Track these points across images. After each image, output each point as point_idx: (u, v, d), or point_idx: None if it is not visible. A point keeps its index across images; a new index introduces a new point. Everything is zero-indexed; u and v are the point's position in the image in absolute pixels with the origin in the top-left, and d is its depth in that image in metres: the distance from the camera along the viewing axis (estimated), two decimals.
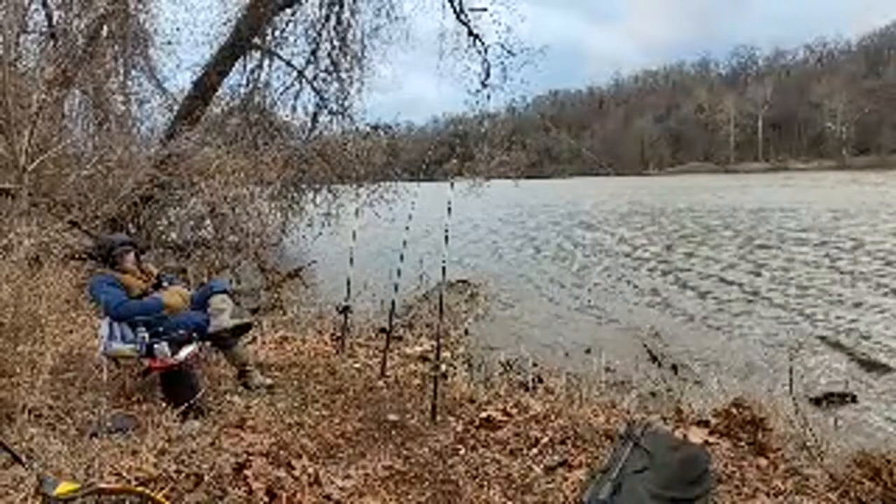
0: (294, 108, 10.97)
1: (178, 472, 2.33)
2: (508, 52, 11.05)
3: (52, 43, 9.29)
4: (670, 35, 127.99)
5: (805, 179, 41.44)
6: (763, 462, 2.64)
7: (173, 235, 7.82)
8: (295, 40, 10.66)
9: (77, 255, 5.69)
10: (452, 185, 4.02)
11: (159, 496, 2.02)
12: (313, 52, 10.71)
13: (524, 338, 6.40)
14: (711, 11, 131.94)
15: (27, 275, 3.58)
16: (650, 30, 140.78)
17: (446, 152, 13.58)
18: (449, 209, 3.75)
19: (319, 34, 10.69)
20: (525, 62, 11.52)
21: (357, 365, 4.29)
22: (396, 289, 4.45)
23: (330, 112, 10.92)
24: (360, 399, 3.57)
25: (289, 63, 10.54)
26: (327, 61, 10.83)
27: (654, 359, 5.67)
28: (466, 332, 6.50)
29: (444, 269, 3.78)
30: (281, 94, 10.79)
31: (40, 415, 2.66)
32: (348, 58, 10.85)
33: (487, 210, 19.81)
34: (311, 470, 2.53)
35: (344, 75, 10.88)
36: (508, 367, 4.97)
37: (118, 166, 6.87)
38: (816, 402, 4.32)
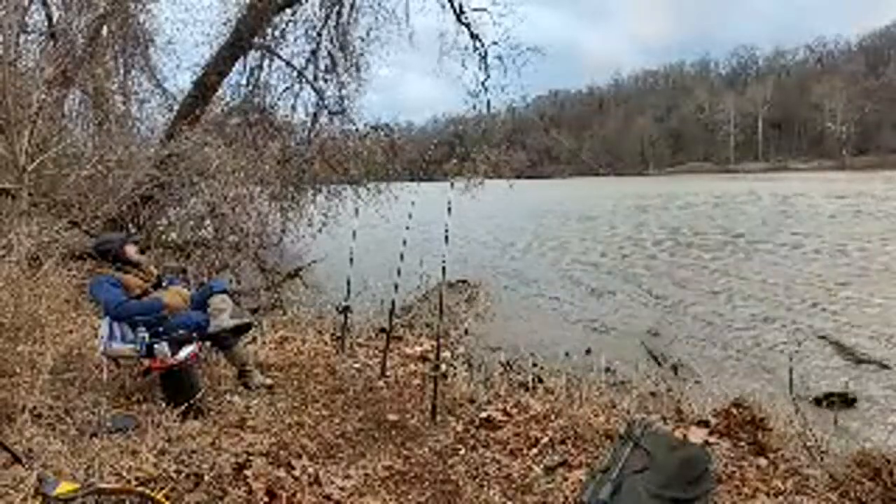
0: (294, 108, 10.97)
1: (178, 472, 2.33)
2: (508, 52, 11.04)
3: (52, 43, 9.28)
4: (670, 35, 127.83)
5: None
6: (763, 462, 2.64)
7: (173, 235, 7.80)
8: (295, 40, 10.65)
9: (77, 255, 5.69)
10: (452, 184, 4.02)
11: (159, 496, 2.02)
12: (313, 52, 10.69)
13: (524, 338, 6.40)
14: (711, 11, 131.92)
15: (27, 275, 3.58)
16: (650, 30, 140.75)
17: (446, 152, 13.55)
18: (449, 209, 3.76)
19: (319, 34, 10.68)
20: (525, 62, 11.43)
21: (357, 365, 4.29)
22: (396, 289, 4.45)
23: (330, 112, 10.89)
24: (360, 399, 3.57)
25: (289, 63, 10.52)
26: (327, 61, 10.82)
27: (654, 359, 5.67)
28: (466, 332, 6.49)
29: (444, 269, 3.78)
30: (281, 94, 10.79)
31: (40, 415, 2.66)
32: (348, 58, 10.84)
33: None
34: (311, 470, 2.53)
35: (344, 75, 10.87)
36: (508, 367, 4.97)
37: (118, 166, 6.85)
38: (816, 402, 4.32)
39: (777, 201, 24.11)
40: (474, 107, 11.53)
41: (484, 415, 3.24)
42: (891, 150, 56.49)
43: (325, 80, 10.85)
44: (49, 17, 9.66)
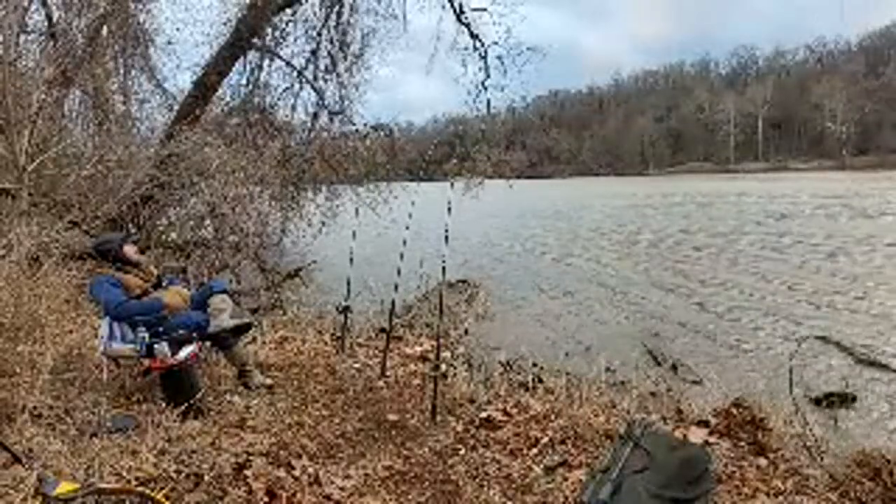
0: (294, 108, 10.98)
1: (178, 472, 2.33)
2: (508, 52, 11.03)
3: (52, 43, 9.27)
4: (670, 35, 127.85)
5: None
6: (763, 462, 2.64)
7: (173, 235, 7.80)
8: (295, 40, 10.66)
9: (77, 255, 5.69)
10: (453, 184, 4.03)
11: (159, 496, 2.02)
12: (313, 52, 10.70)
13: (524, 338, 6.40)
14: (711, 11, 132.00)
15: (27, 275, 3.58)
16: (650, 30, 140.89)
17: (446, 152, 13.57)
18: (449, 209, 3.76)
19: (319, 34, 10.68)
20: (525, 62, 11.44)
21: (357, 365, 4.30)
22: (396, 289, 4.46)
23: (330, 112, 10.91)
24: (360, 399, 3.57)
25: (289, 63, 10.52)
26: (327, 61, 10.83)
27: (654, 359, 5.67)
28: (466, 332, 6.49)
29: (444, 268, 3.78)
30: (281, 94, 10.80)
31: (40, 415, 2.66)
32: (348, 58, 10.85)
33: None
34: (311, 470, 2.53)
35: (343, 75, 10.88)
36: (508, 367, 4.97)
37: (118, 166, 6.86)
38: (816, 402, 4.32)
39: (772, 201, 24.24)
40: (474, 106, 11.53)
41: (484, 415, 3.24)
42: (891, 150, 56.51)
43: (325, 80, 10.87)
44: (49, 17, 9.65)
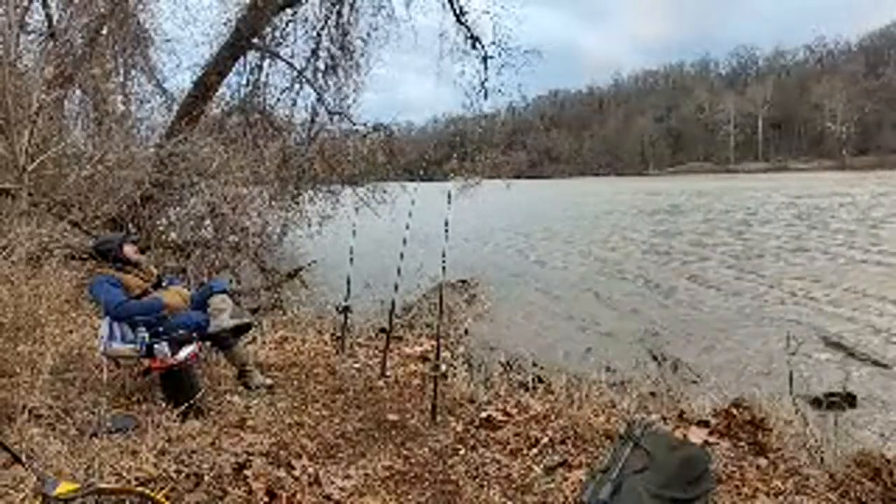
0: (294, 108, 10.98)
1: (178, 472, 2.33)
2: (508, 54, 11.02)
3: (52, 43, 9.28)
4: (670, 35, 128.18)
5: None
6: (763, 462, 2.63)
7: (173, 235, 7.80)
8: (295, 40, 10.66)
9: (77, 255, 5.69)
10: (453, 185, 4.03)
11: (159, 496, 2.02)
12: (313, 52, 10.70)
13: (524, 338, 6.40)
14: (711, 11, 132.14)
15: (27, 275, 3.58)
16: (650, 30, 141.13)
17: (446, 152, 13.57)
18: (449, 209, 3.76)
19: (319, 34, 10.69)
20: (524, 63, 11.43)
21: (357, 365, 4.29)
22: (396, 288, 4.45)
23: (330, 112, 10.91)
24: (360, 399, 3.57)
25: (289, 63, 10.53)
26: (327, 61, 10.83)
27: (654, 359, 5.67)
28: (466, 332, 6.49)
29: (444, 268, 3.78)
30: (281, 94, 10.80)
31: (40, 415, 2.66)
32: (348, 58, 10.86)
33: None
34: (311, 470, 2.53)
35: (343, 76, 10.88)
36: (508, 367, 4.97)
37: (118, 166, 6.85)
38: (816, 402, 4.31)
39: (771, 199, 24.28)
40: (472, 107, 11.52)
41: (484, 415, 3.24)
42: (891, 150, 56.58)
43: (325, 80, 10.86)
44: (49, 17, 9.66)
